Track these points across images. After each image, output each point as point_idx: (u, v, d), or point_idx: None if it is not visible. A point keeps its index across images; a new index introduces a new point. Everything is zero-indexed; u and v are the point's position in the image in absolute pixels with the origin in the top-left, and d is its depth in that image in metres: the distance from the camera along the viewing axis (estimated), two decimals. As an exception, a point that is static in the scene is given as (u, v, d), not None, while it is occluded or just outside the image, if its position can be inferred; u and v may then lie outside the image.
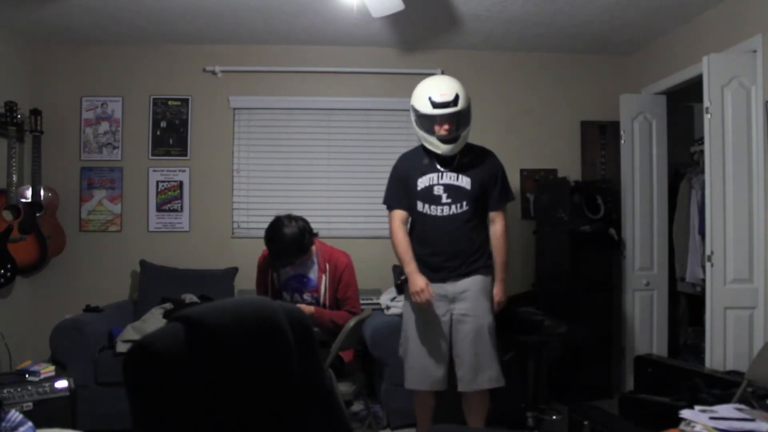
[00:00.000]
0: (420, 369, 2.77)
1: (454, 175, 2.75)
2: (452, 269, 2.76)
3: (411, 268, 2.76)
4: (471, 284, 2.74)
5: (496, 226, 2.82)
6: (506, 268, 2.84)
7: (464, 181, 2.74)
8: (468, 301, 2.73)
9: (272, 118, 4.32)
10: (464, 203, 2.74)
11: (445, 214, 2.75)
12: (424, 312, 2.77)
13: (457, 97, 2.62)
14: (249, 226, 4.26)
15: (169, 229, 4.21)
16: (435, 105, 2.62)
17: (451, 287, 2.75)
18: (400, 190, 2.86)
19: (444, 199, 2.74)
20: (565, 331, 3.36)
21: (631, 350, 3.91)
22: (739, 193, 3.10)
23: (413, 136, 2.83)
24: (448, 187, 2.74)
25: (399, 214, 2.86)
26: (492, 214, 2.82)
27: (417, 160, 2.83)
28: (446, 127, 2.64)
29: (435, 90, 2.65)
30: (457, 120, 2.64)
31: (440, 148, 2.69)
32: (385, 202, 2.93)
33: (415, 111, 2.70)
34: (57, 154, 4.09)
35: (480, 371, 2.71)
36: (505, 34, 4.04)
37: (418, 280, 2.71)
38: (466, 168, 2.76)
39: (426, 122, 2.68)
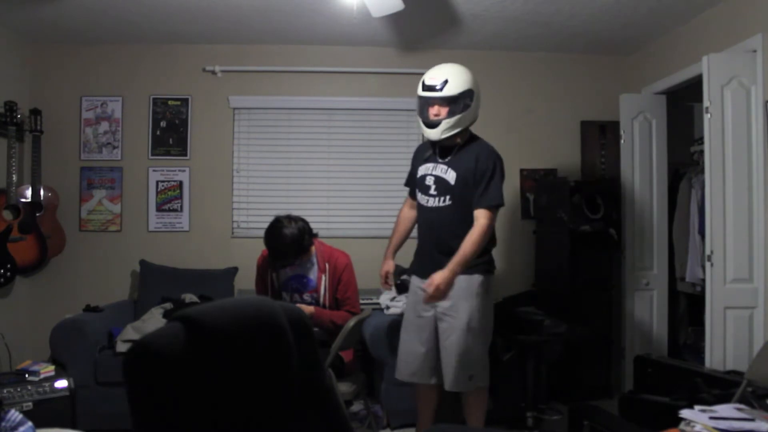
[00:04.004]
0: (402, 361, 2.82)
1: (444, 167, 2.74)
2: (436, 264, 2.67)
3: (387, 250, 2.96)
4: (453, 283, 2.68)
5: (475, 224, 2.66)
6: (462, 263, 2.57)
7: (450, 175, 2.72)
8: (448, 299, 2.67)
9: (272, 118, 4.32)
10: (447, 197, 2.72)
11: (431, 205, 2.77)
12: (412, 307, 2.81)
13: (445, 82, 2.63)
14: (249, 226, 4.26)
15: (169, 228, 4.21)
16: (424, 87, 2.68)
17: None
18: (412, 176, 2.95)
19: (432, 190, 2.76)
20: (565, 330, 3.36)
21: (631, 350, 3.90)
22: (739, 193, 3.10)
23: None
24: (437, 179, 2.75)
25: (409, 199, 3.01)
26: (474, 212, 2.69)
27: (425, 149, 2.88)
28: (435, 110, 2.66)
29: (429, 73, 2.71)
30: (446, 105, 2.64)
31: (424, 131, 2.73)
32: (405, 185, 3.05)
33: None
34: (57, 153, 4.09)
35: (448, 371, 2.69)
36: (504, 34, 4.04)
37: (384, 265, 2.94)
38: (457, 162, 2.73)
39: (421, 105, 2.73)
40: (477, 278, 2.72)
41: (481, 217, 2.67)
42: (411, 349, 2.79)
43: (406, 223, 2.99)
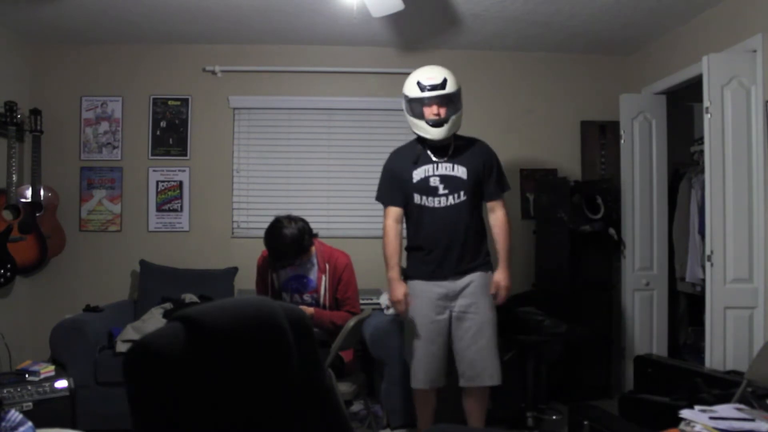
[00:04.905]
0: (421, 369, 2.77)
1: (449, 165, 2.75)
2: (453, 264, 2.75)
3: (393, 274, 2.79)
4: (470, 281, 2.75)
5: (497, 214, 2.83)
6: (509, 255, 2.81)
7: (460, 171, 2.75)
8: (468, 297, 2.74)
9: (272, 118, 4.32)
10: (461, 193, 2.74)
11: (442, 205, 2.76)
12: (423, 313, 2.78)
13: (445, 80, 2.66)
14: (249, 226, 4.26)
15: (169, 229, 4.21)
16: (423, 88, 2.67)
17: (451, 284, 2.75)
18: (393, 186, 2.86)
19: (441, 190, 2.75)
20: (565, 331, 3.36)
21: (631, 350, 3.91)
22: (739, 193, 3.10)
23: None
24: (444, 178, 2.75)
25: (393, 212, 2.86)
26: (490, 204, 2.83)
27: (410, 153, 2.85)
28: (434, 110, 2.67)
29: (423, 75, 2.70)
30: (446, 103, 2.66)
31: (429, 132, 2.70)
32: (378, 199, 2.94)
33: (406, 98, 2.74)
34: (57, 154, 4.09)
35: (482, 368, 2.71)
36: (504, 34, 4.04)
37: (398, 289, 2.75)
38: (460, 157, 2.76)
39: (416, 107, 2.71)
40: (489, 275, 2.81)
41: (499, 207, 2.84)
42: (430, 355, 2.76)
43: (399, 239, 2.85)
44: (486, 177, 2.80)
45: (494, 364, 2.74)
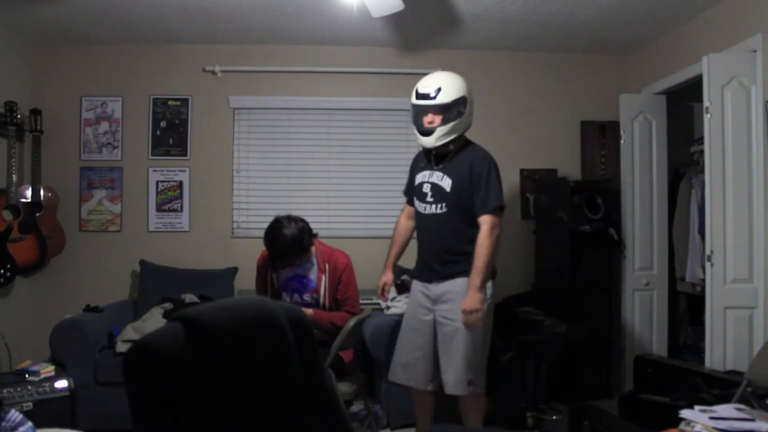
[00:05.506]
0: (398, 364, 2.83)
1: (440, 174, 2.75)
2: (435, 269, 2.75)
3: (387, 261, 2.98)
4: (452, 287, 2.70)
5: (481, 230, 2.66)
6: (480, 275, 2.59)
7: (446, 182, 2.73)
8: (448, 303, 2.70)
9: (272, 118, 4.32)
10: (443, 204, 2.72)
11: (428, 212, 2.77)
12: (412, 311, 2.83)
13: (438, 90, 2.64)
14: (249, 226, 4.26)
15: (169, 229, 4.21)
16: (418, 96, 2.70)
17: (434, 288, 2.74)
18: (410, 184, 2.96)
19: (429, 198, 2.77)
20: (565, 331, 3.36)
21: (631, 350, 3.90)
22: (739, 193, 3.10)
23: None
24: (433, 186, 2.76)
25: (407, 208, 3.02)
26: (478, 218, 2.69)
27: (421, 157, 2.90)
28: (429, 118, 2.67)
29: (422, 82, 2.72)
30: (439, 113, 2.65)
31: (419, 139, 2.73)
32: (404, 193, 3.07)
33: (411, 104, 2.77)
34: (57, 154, 4.09)
35: (448, 376, 2.69)
36: (504, 34, 4.04)
37: (381, 277, 2.98)
38: (452, 168, 2.73)
39: (414, 114, 2.74)
40: None
41: (483, 222, 2.67)
42: (408, 352, 2.80)
43: (404, 233, 3.00)
44: (474, 189, 2.68)
45: (462, 374, 2.65)
